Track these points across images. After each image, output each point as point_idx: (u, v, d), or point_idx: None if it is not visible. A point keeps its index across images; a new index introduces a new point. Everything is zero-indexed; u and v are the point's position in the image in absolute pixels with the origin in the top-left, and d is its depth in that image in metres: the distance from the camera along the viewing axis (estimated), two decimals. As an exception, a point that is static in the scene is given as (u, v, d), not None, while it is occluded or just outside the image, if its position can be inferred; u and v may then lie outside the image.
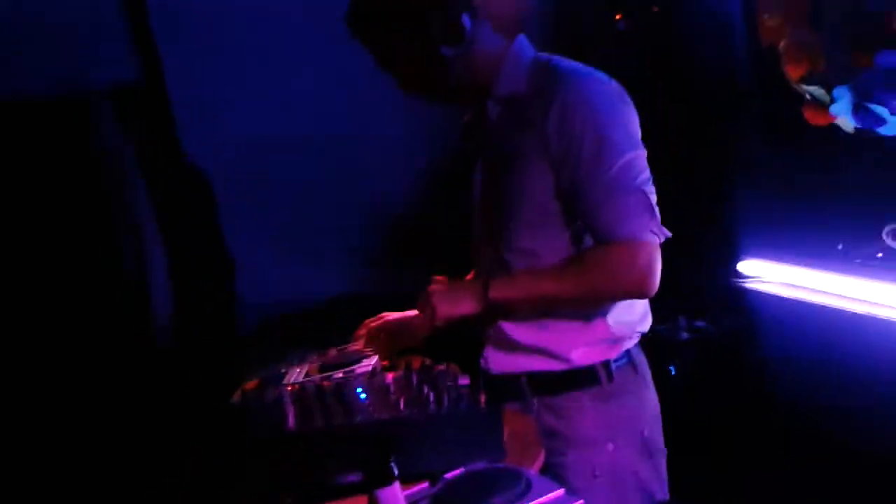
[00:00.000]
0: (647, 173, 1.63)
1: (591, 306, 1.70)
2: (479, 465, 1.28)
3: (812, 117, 2.37)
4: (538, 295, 1.67)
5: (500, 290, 1.66)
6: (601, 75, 1.67)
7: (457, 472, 1.26)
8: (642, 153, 1.64)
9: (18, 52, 2.49)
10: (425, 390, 1.50)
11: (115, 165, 2.60)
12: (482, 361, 1.80)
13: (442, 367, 1.60)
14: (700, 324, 2.76)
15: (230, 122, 2.74)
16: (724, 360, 2.69)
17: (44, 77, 2.49)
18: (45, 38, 2.50)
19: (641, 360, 1.82)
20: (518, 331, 1.74)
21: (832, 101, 2.29)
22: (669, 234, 1.64)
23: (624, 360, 1.75)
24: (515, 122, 1.68)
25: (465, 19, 1.64)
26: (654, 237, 1.60)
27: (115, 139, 2.59)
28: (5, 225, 2.41)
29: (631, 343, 1.78)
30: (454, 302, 1.67)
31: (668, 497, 1.77)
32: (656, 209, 1.62)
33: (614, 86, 1.67)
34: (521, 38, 1.76)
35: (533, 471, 1.31)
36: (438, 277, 1.80)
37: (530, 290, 1.67)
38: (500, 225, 1.74)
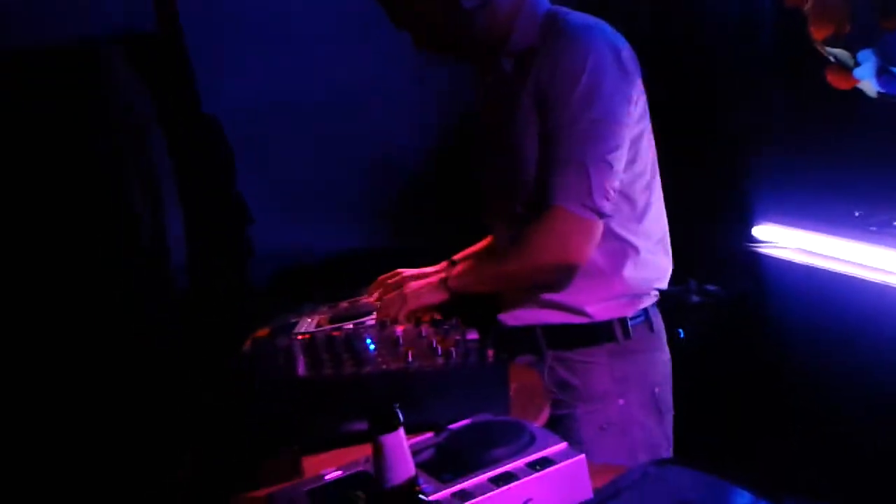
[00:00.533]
0: (610, 143, 1.60)
1: (550, 282, 1.72)
2: (484, 417, 1.29)
3: (835, 81, 2.33)
4: (490, 277, 1.75)
5: (458, 279, 1.74)
6: (609, 35, 1.65)
7: (461, 423, 1.27)
8: (616, 124, 1.61)
9: (32, 1, 2.49)
10: (434, 343, 1.52)
11: (129, 113, 2.60)
12: (498, 314, 1.81)
13: (451, 321, 1.63)
14: (711, 287, 2.74)
15: (244, 76, 2.74)
16: (735, 324, 2.68)
17: (58, 25, 2.49)
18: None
19: (658, 319, 1.83)
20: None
21: (856, 64, 2.25)
22: (608, 214, 1.63)
23: (641, 318, 1.77)
24: (526, 76, 1.67)
25: None
26: (585, 211, 1.60)
27: (130, 87, 2.59)
28: (19, 173, 2.42)
29: (649, 301, 1.79)
30: (421, 296, 1.75)
31: (671, 456, 1.78)
32: (602, 184, 1.59)
33: (619, 49, 1.64)
34: None
35: (537, 424, 1.32)
36: (402, 271, 1.91)
37: (483, 274, 1.75)
38: (512, 179, 1.74)
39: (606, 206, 1.61)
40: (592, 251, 1.64)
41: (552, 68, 1.61)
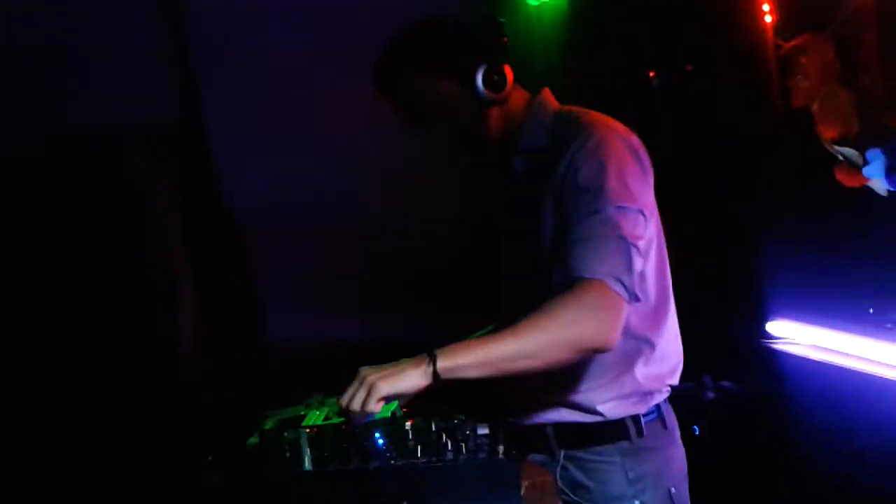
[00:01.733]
0: (636, 231, 1.55)
1: (560, 364, 1.50)
2: (495, 515, 1.26)
3: (844, 179, 2.36)
4: (494, 356, 1.46)
5: (449, 358, 1.44)
6: (619, 128, 1.67)
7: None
8: (638, 213, 1.57)
9: (60, 90, 2.56)
10: (444, 438, 1.49)
11: (148, 204, 2.65)
12: (507, 412, 1.78)
13: (461, 416, 1.60)
14: (726, 384, 2.72)
15: (262, 168, 2.78)
16: (751, 420, 2.64)
17: (83, 114, 2.55)
18: (85, 76, 2.57)
19: (671, 415, 1.78)
20: (543, 384, 1.69)
21: (865, 163, 2.28)
22: (639, 299, 1.55)
23: (654, 415, 1.72)
24: (538, 174, 1.69)
25: (507, 69, 1.66)
26: (621, 288, 1.48)
27: (149, 177, 2.64)
28: (40, 258, 2.45)
29: (661, 397, 1.75)
30: (395, 378, 1.45)
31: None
32: (633, 266, 1.51)
33: (631, 140, 1.65)
34: (545, 92, 1.78)
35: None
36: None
37: (484, 353, 1.46)
38: (532, 279, 1.74)
39: (636, 289, 1.53)
40: (618, 338, 1.50)
41: (573, 162, 1.60)
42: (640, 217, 1.59)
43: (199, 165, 2.71)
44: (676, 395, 1.83)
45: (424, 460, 1.43)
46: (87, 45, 2.54)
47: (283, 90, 2.81)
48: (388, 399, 1.45)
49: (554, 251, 1.64)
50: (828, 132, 2.34)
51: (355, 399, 1.44)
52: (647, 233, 1.61)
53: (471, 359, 1.45)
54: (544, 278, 1.67)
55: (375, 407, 1.43)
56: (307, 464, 1.43)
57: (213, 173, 2.71)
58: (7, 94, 2.48)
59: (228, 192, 2.71)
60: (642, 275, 1.67)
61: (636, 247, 1.55)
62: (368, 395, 1.43)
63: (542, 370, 1.50)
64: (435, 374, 1.43)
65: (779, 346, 2.62)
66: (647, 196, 1.63)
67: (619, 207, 1.56)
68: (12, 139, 2.43)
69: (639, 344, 1.69)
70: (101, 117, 2.56)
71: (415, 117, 1.70)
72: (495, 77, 1.64)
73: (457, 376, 1.45)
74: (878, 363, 2.28)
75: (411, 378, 1.44)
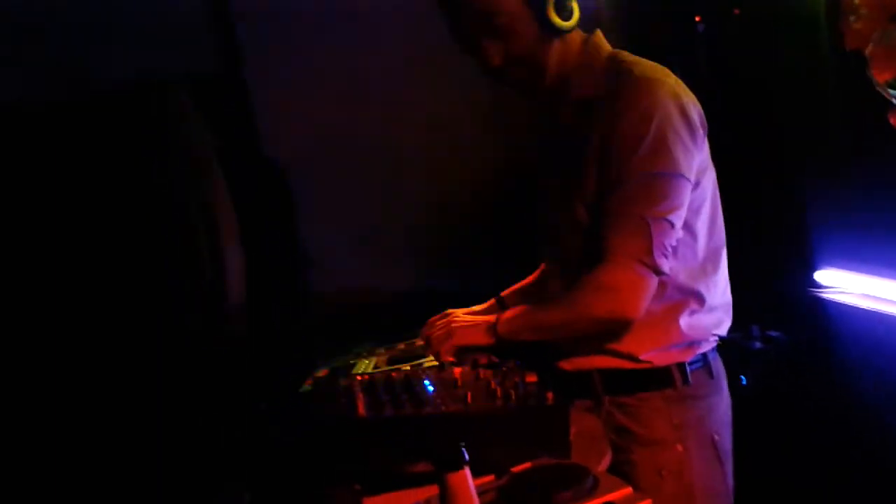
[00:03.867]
0: (674, 201, 1.59)
1: (596, 331, 1.69)
2: (546, 460, 1.28)
3: (898, 124, 2.29)
4: (540, 325, 1.71)
5: (507, 325, 1.70)
6: (674, 88, 1.64)
7: (524, 466, 1.26)
8: (676, 178, 1.59)
9: (100, 42, 2.57)
10: (492, 385, 1.51)
11: (192, 156, 2.66)
12: (554, 358, 1.80)
13: (509, 363, 1.62)
14: (774, 333, 2.69)
15: (308, 116, 2.78)
16: (799, 371, 2.62)
17: (124, 69, 2.56)
18: (125, 29, 2.58)
19: (718, 365, 1.80)
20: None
21: (920, 106, 2.21)
22: (665, 273, 1.61)
23: (699, 364, 1.74)
24: (586, 124, 1.67)
25: (575, 3, 1.64)
26: (643, 268, 1.58)
27: (193, 129, 2.65)
28: (82, 215, 2.48)
29: (708, 346, 1.76)
30: (467, 334, 1.73)
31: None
32: (661, 242, 1.58)
33: (685, 102, 1.63)
34: (598, 34, 1.75)
35: (599, 469, 1.30)
36: (452, 312, 1.89)
37: (533, 322, 1.71)
38: (569, 227, 1.73)
39: (664, 264, 1.60)
40: (646, 306, 1.61)
41: (617, 122, 1.60)
42: (678, 182, 1.60)
43: (242, 114, 2.71)
44: (724, 345, 1.82)
45: (474, 407, 1.44)
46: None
47: (324, 38, 2.79)
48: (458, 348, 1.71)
49: (594, 208, 1.64)
50: (882, 75, 2.27)
51: (434, 338, 1.75)
52: (686, 198, 1.62)
53: (521, 326, 1.70)
54: (584, 234, 1.67)
55: (445, 352, 1.71)
56: (361, 409, 1.45)
57: (255, 122, 2.71)
58: (48, 41, 2.50)
59: (272, 141, 2.71)
60: (692, 232, 1.68)
61: (665, 220, 1.58)
62: (446, 338, 1.72)
63: (589, 335, 1.70)
64: (497, 335, 1.69)
65: (828, 296, 2.59)
66: (691, 159, 1.62)
67: (651, 175, 1.57)
68: (53, 88, 2.45)
69: (686, 297, 1.71)
70: (141, 66, 2.57)
71: (478, 34, 1.65)
72: (565, 6, 1.63)
73: (514, 338, 1.69)
74: (930, 311, 2.25)
75: (479, 335, 1.71)
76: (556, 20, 1.63)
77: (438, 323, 1.85)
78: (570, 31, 1.66)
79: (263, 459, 1.66)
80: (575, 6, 1.65)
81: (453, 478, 0.96)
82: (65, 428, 2.28)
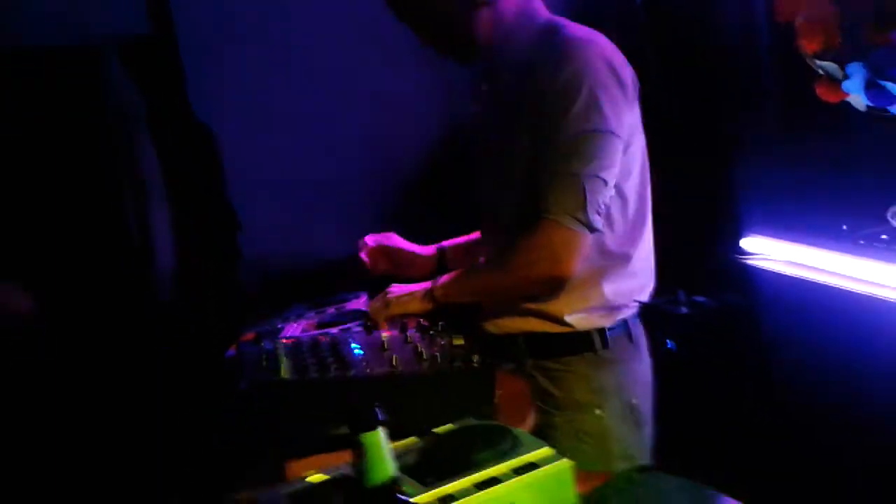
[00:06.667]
0: (606, 159, 1.60)
1: (536, 293, 1.71)
2: (468, 421, 1.29)
3: (824, 94, 2.34)
4: (477, 289, 1.74)
5: (444, 290, 1.72)
6: (605, 48, 1.65)
7: (445, 427, 1.27)
8: (607, 135, 1.60)
9: (30, 1, 2.48)
10: (419, 348, 1.51)
11: (122, 118, 2.59)
12: (481, 321, 1.81)
13: (436, 326, 1.62)
14: (700, 299, 2.75)
15: (238, 80, 2.73)
16: (724, 336, 2.68)
17: (54, 26, 2.48)
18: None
19: (638, 331, 1.83)
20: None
21: (845, 77, 2.26)
22: (598, 229, 1.63)
23: (620, 330, 1.77)
24: (519, 87, 1.67)
25: None
26: (575, 224, 1.59)
27: (123, 91, 2.58)
28: (9, 174, 2.40)
29: (629, 312, 1.79)
30: (404, 302, 1.75)
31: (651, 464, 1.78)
32: (594, 199, 1.59)
33: (615, 62, 1.64)
34: (535, 0, 1.75)
35: (522, 429, 1.31)
36: (394, 236, 2.01)
37: (469, 286, 1.73)
38: (503, 188, 1.74)
39: (598, 221, 1.61)
40: (581, 265, 1.62)
41: (548, 82, 1.61)
42: (609, 140, 1.61)
43: (172, 77, 2.65)
44: (650, 309, 1.85)
45: (401, 369, 1.44)
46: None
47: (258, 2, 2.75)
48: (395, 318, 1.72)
49: (528, 170, 1.64)
50: (809, 46, 2.31)
51: (374, 309, 1.76)
52: (618, 156, 1.63)
53: (458, 290, 1.72)
54: (518, 195, 1.68)
55: (382, 322, 1.72)
56: (284, 372, 1.44)
57: (185, 87, 2.65)
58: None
59: (202, 105, 2.66)
60: (622, 195, 1.69)
61: (597, 177, 1.59)
62: (382, 309, 1.74)
63: (525, 296, 1.73)
64: (434, 300, 1.72)
65: (753, 262, 2.65)
66: (623, 117, 1.63)
67: (582, 133, 1.57)
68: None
69: (612, 261, 1.73)
70: (71, 28, 2.49)
71: (405, 12, 1.70)
72: None
73: (451, 301, 1.72)
74: (852, 279, 2.31)
75: (416, 303, 1.74)
76: None
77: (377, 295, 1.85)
78: (488, 5, 1.67)
79: (188, 425, 1.64)
80: None
81: (367, 439, 0.96)
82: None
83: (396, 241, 2.04)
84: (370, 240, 2.04)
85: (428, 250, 2.06)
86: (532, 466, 1.13)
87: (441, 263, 2.03)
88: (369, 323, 1.72)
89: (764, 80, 2.70)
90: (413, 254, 2.03)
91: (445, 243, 2.07)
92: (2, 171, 2.36)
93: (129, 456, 2.29)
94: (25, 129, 2.40)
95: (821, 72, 2.33)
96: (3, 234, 2.36)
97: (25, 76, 2.42)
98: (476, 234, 2.03)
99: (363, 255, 2.01)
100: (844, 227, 2.40)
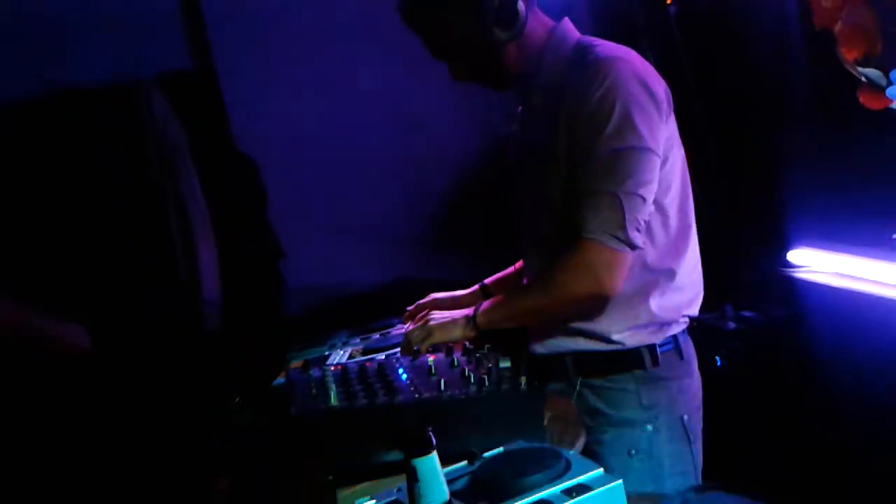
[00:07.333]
0: (643, 176, 1.60)
1: (580, 313, 1.70)
2: (518, 445, 1.28)
3: (867, 101, 2.31)
4: (520, 312, 1.72)
5: (486, 316, 1.70)
6: (636, 65, 1.66)
7: (495, 451, 1.26)
8: (644, 152, 1.60)
9: (74, 41, 2.55)
10: (466, 371, 1.51)
11: (166, 152, 2.64)
12: (528, 342, 1.81)
13: (482, 349, 1.62)
14: (747, 313, 2.71)
15: (279, 111, 2.78)
16: (772, 350, 2.64)
17: (98, 66, 2.55)
18: (99, 27, 2.56)
19: (688, 346, 1.81)
20: None
21: (889, 83, 2.23)
22: (639, 246, 1.62)
23: (669, 346, 1.75)
24: (554, 110, 1.68)
25: (520, 3, 1.65)
26: (616, 243, 1.59)
27: (166, 126, 2.63)
28: (57, 212, 2.46)
29: (678, 328, 1.77)
30: (446, 331, 1.72)
31: (700, 483, 1.76)
32: (633, 216, 1.59)
33: (647, 78, 1.65)
34: (566, 22, 1.76)
35: (573, 452, 1.30)
36: (436, 295, 1.96)
37: (512, 310, 1.71)
38: (544, 209, 1.74)
39: (638, 238, 1.61)
40: (624, 282, 1.62)
41: (582, 102, 1.62)
42: (646, 156, 1.61)
43: (214, 111, 2.70)
44: (697, 326, 1.83)
45: (449, 394, 1.44)
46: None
47: (295, 32, 2.79)
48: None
49: (566, 190, 1.65)
50: (850, 53, 2.28)
51: (414, 337, 1.73)
52: (656, 172, 1.63)
53: (501, 315, 1.71)
54: (557, 216, 1.68)
55: (424, 350, 1.71)
56: (333, 400, 1.45)
57: (227, 119, 2.70)
58: (16, 43, 2.47)
59: (244, 137, 2.70)
60: (662, 210, 1.69)
61: (636, 194, 1.59)
62: (425, 337, 1.71)
63: (569, 317, 1.72)
64: (476, 327, 1.70)
65: (801, 275, 2.61)
66: (657, 132, 1.63)
67: (618, 151, 1.58)
68: (21, 89, 2.43)
69: (657, 276, 1.71)
70: (117, 63, 2.55)
71: (437, 51, 1.74)
72: (507, 15, 1.66)
73: (493, 327, 1.70)
74: (901, 288, 2.26)
75: (458, 330, 1.72)
76: (501, 35, 1.67)
77: (416, 319, 1.85)
78: (517, 35, 1.68)
79: (239, 452, 1.66)
80: (520, 8, 1.66)
81: (420, 464, 0.96)
82: (46, 426, 2.27)
83: (437, 297, 2.03)
84: (409, 314, 2.03)
85: (471, 291, 2.06)
86: (583, 489, 1.12)
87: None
88: (405, 351, 1.72)
89: (804, 90, 2.67)
90: (456, 300, 2.02)
91: (487, 280, 2.08)
92: (54, 211, 2.42)
93: (175, 482, 2.31)
94: (73, 171, 2.46)
95: (863, 79, 2.30)
96: (52, 265, 2.41)
97: (71, 116, 2.48)
98: (517, 265, 2.03)
99: (411, 325, 1.92)
100: (893, 236, 2.35)
